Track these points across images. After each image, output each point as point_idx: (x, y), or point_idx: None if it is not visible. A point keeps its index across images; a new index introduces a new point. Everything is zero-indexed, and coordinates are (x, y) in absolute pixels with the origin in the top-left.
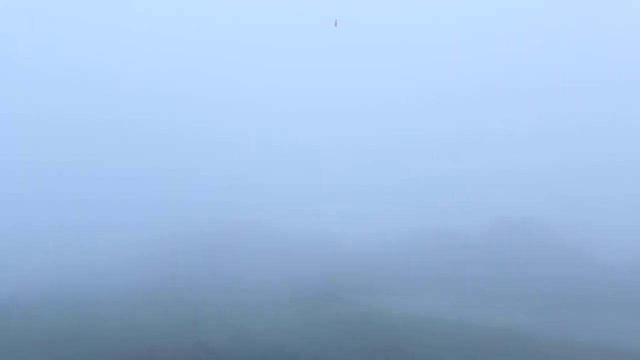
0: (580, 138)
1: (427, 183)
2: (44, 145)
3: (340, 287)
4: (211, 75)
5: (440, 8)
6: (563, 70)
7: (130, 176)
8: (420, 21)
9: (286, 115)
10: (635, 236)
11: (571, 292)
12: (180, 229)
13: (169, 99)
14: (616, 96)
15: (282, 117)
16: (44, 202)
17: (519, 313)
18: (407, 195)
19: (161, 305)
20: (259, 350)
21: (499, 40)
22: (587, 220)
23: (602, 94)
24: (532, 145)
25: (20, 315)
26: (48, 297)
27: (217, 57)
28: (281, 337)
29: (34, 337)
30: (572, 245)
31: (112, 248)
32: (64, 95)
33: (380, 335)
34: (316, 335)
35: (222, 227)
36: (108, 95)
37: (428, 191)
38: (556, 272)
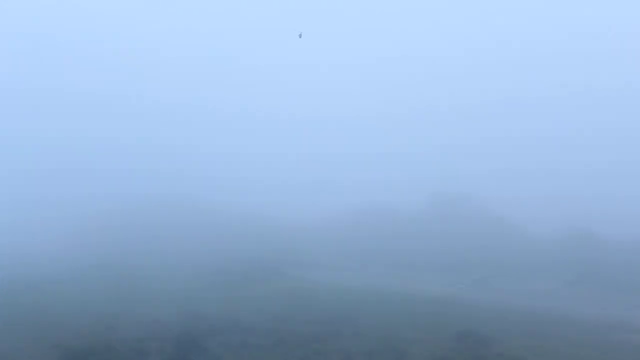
0: (515, 112)
1: (365, 159)
2: None
3: (282, 263)
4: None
5: None
6: (514, 40)
7: (52, 145)
8: None
9: (219, 79)
10: (565, 208)
11: (506, 263)
12: (112, 203)
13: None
14: (559, 65)
15: (213, 80)
16: None
17: (458, 284)
18: (344, 170)
19: (105, 283)
20: (216, 325)
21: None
22: (520, 195)
23: (547, 62)
24: (467, 120)
25: None
26: None
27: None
28: (234, 313)
29: None
30: (506, 219)
31: (38, 224)
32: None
33: (329, 307)
34: (267, 309)
35: (159, 200)
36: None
37: (365, 167)
38: (491, 244)
